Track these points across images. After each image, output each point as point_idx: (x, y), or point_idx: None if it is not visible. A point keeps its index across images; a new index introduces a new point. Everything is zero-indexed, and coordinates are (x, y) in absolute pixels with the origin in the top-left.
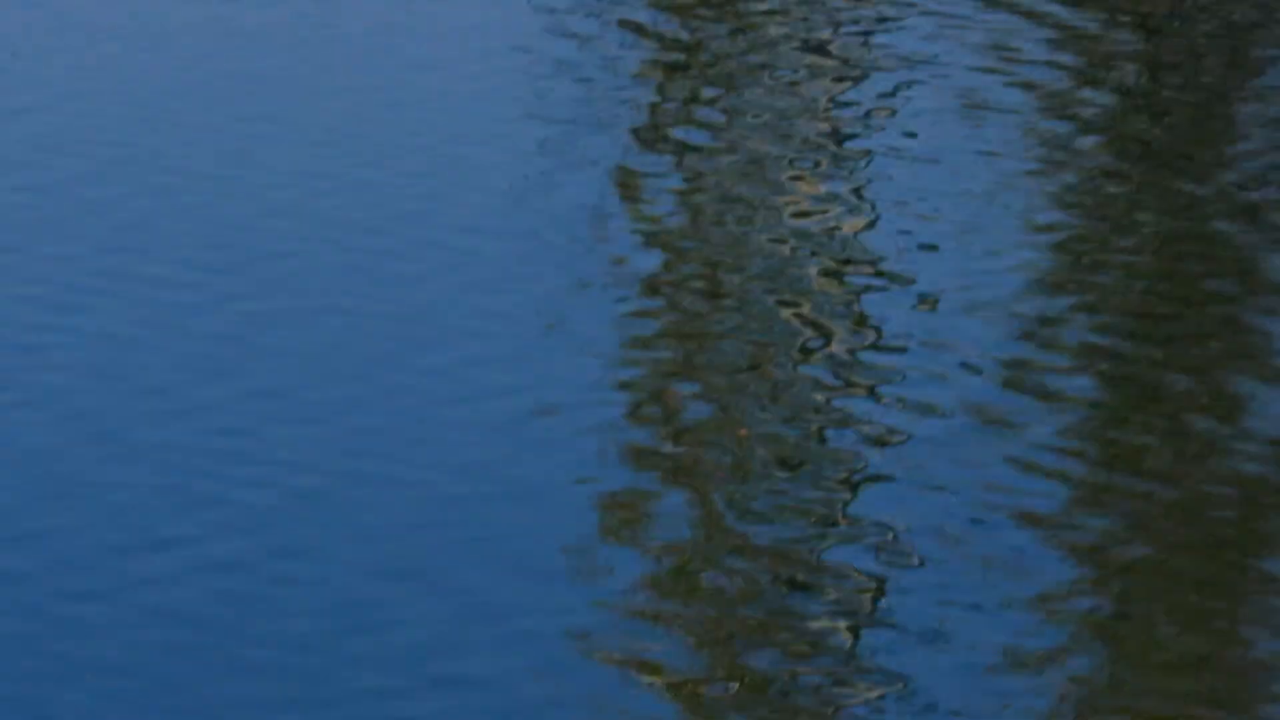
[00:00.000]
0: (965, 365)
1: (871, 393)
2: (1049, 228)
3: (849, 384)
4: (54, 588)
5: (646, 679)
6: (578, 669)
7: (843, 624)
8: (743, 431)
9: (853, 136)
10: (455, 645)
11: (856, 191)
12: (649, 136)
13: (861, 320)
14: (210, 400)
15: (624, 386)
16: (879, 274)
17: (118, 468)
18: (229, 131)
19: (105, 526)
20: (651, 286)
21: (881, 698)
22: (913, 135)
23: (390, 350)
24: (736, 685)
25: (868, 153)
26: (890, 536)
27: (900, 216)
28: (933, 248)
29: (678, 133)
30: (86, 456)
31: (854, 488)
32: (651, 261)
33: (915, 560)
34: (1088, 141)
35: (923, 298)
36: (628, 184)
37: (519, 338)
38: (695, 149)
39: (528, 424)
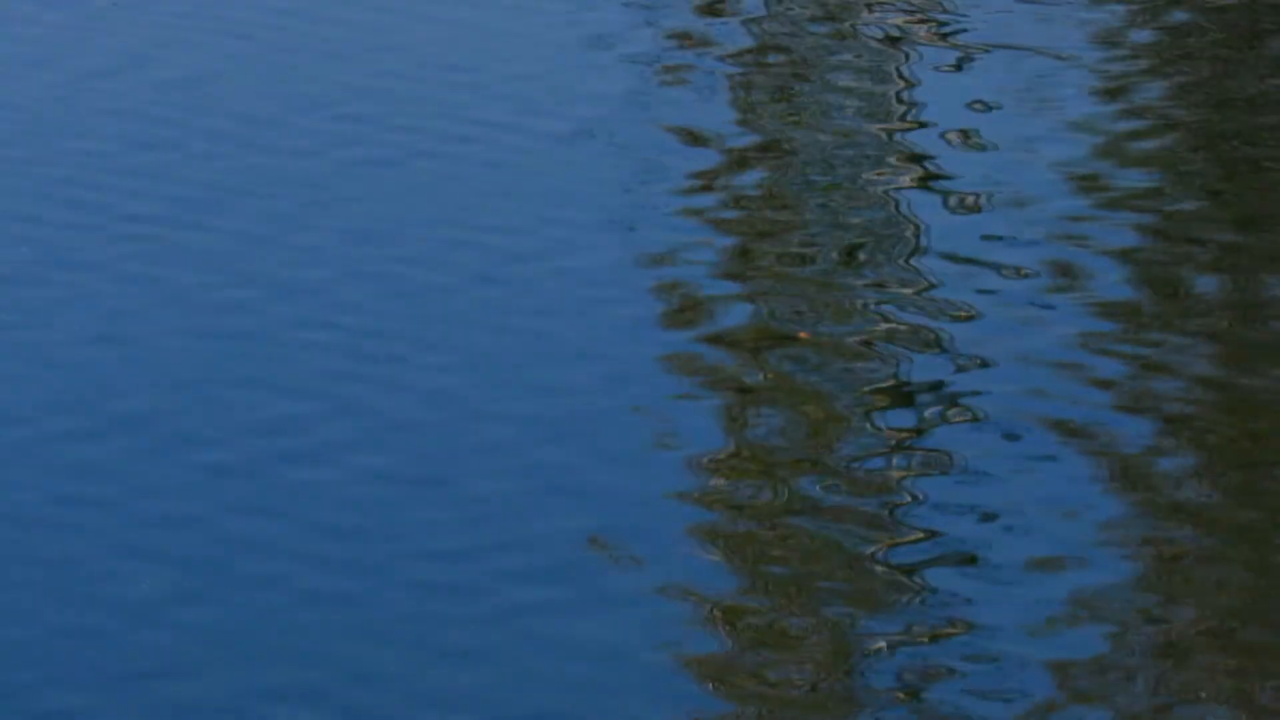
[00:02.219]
0: (1011, 267)
1: (918, 296)
2: (1091, 125)
3: (897, 286)
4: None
5: (690, 597)
6: (624, 583)
7: (880, 536)
8: (802, 334)
9: (905, 38)
10: (467, 551)
11: (906, 94)
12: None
13: (910, 221)
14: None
15: (669, 288)
16: (926, 176)
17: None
18: (301, 71)
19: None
20: (707, 187)
21: (933, 639)
22: (969, 29)
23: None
24: (775, 597)
25: (918, 55)
26: (932, 443)
27: (949, 112)
28: (986, 147)
29: (742, 62)
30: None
31: (900, 396)
32: (706, 159)
33: (959, 467)
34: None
35: (967, 196)
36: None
37: (572, 241)
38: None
39: (574, 335)
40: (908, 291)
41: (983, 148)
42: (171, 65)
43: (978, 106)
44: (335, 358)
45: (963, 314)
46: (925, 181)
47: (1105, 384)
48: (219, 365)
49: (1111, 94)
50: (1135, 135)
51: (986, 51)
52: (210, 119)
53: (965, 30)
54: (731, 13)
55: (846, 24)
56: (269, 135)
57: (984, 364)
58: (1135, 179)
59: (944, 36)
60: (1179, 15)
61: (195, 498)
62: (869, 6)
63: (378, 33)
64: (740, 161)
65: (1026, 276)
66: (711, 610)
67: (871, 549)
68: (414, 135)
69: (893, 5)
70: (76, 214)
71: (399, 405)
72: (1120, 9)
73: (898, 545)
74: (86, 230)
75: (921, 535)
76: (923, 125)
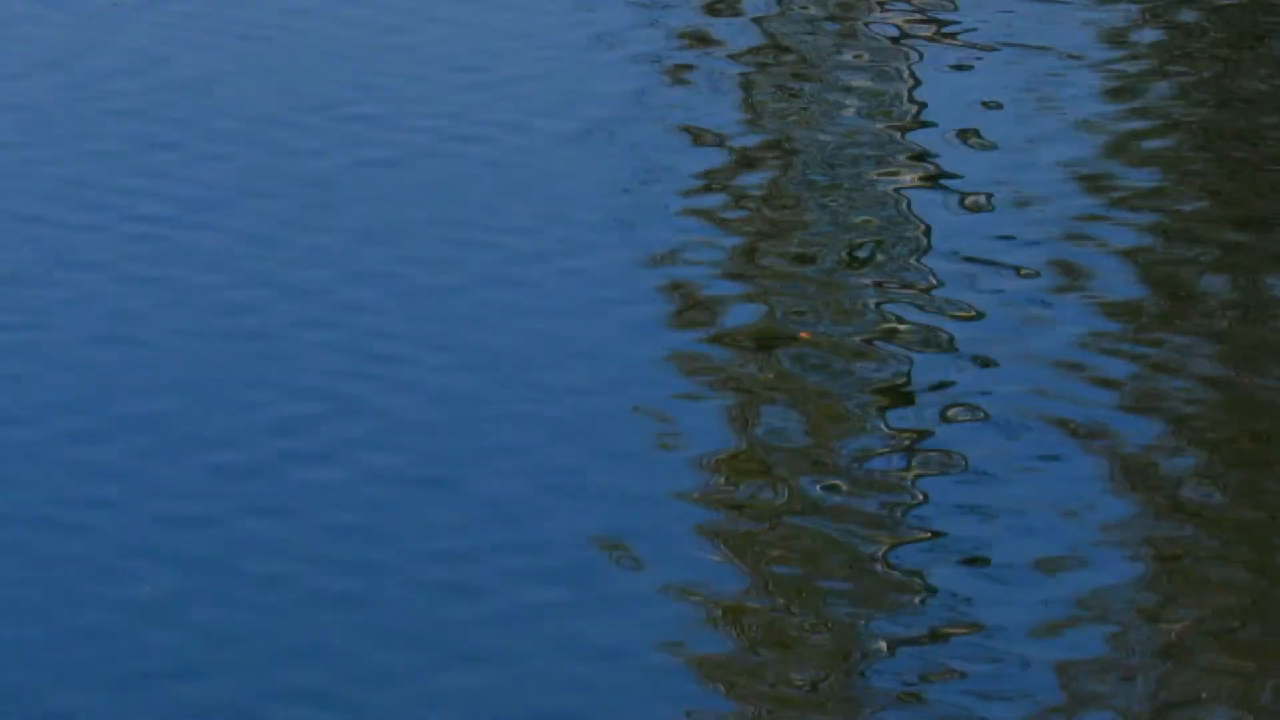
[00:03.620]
0: (1014, 267)
1: (921, 295)
2: (1096, 125)
3: (900, 286)
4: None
5: (692, 596)
6: (628, 584)
7: (883, 536)
8: (803, 334)
9: (910, 37)
10: (473, 551)
11: (911, 93)
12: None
13: (913, 220)
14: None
15: (673, 288)
16: (930, 175)
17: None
18: (292, 60)
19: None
20: (710, 187)
21: (922, 605)
22: (976, 29)
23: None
24: (777, 597)
25: (921, 55)
26: (935, 443)
27: (953, 112)
28: (990, 147)
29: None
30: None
31: (903, 395)
32: (710, 159)
33: (962, 467)
34: (1146, 34)
35: (970, 196)
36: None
37: (576, 241)
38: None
39: (579, 335)
40: (910, 291)
41: (986, 147)
42: (175, 65)
43: (981, 106)
44: (341, 358)
45: (965, 314)
46: (929, 181)
47: (1109, 383)
48: (225, 365)
49: (1115, 94)
50: (1139, 135)
51: (990, 51)
52: (215, 119)
53: (969, 30)
54: (736, 12)
55: (850, 23)
56: (273, 135)
57: (986, 363)
58: (1139, 179)
59: (948, 36)
60: (1183, 15)
61: (202, 498)
62: (877, 5)
63: (383, 32)
64: (745, 161)
65: (1029, 276)
66: (715, 610)
67: (874, 549)
68: (419, 135)
69: (898, 4)
70: (82, 214)
71: (404, 405)
72: (1123, 8)
73: (900, 545)
74: (92, 230)
75: (924, 535)
76: (926, 125)
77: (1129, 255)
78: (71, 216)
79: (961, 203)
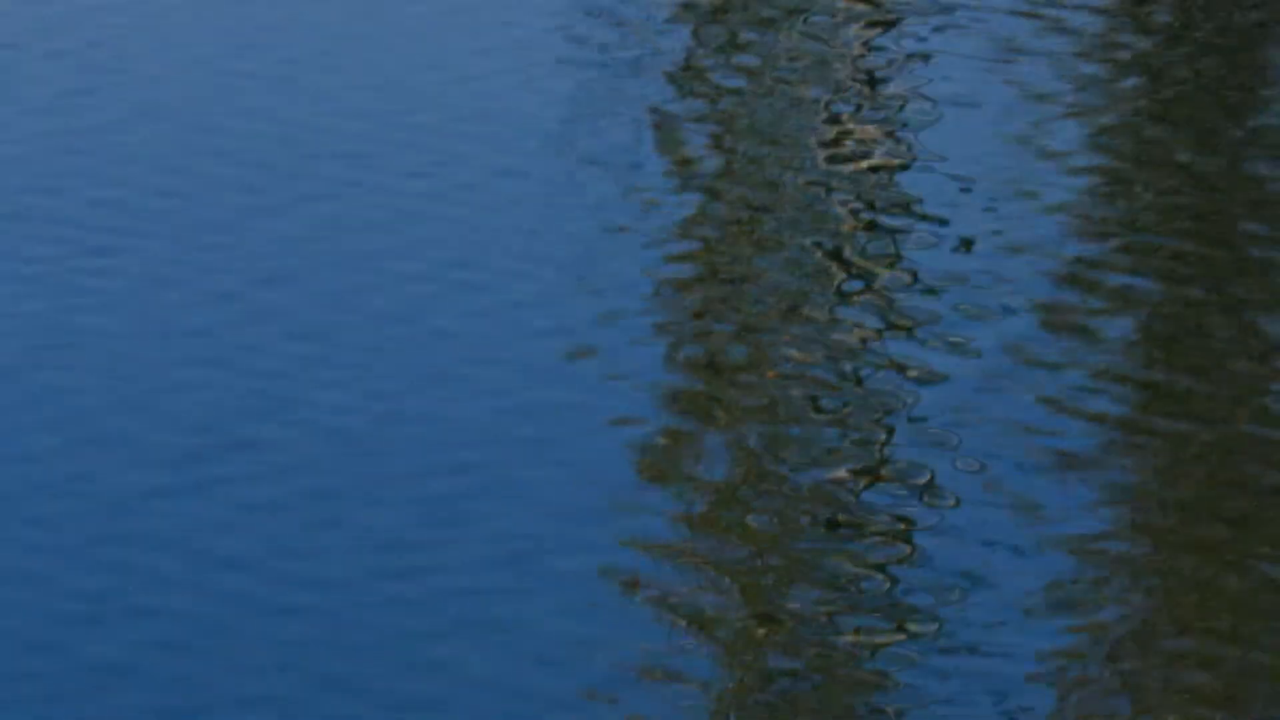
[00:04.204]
0: (1003, 307)
1: (909, 334)
2: (1085, 169)
3: (887, 326)
4: (86, 532)
5: (680, 621)
6: (612, 610)
7: (880, 565)
8: (770, 373)
9: (889, 80)
10: (489, 587)
11: (892, 135)
12: (684, 80)
13: (899, 262)
14: (249, 341)
15: (660, 329)
16: (916, 216)
17: (154, 412)
18: (269, 75)
19: (143, 469)
20: (688, 229)
21: (919, 639)
22: (948, 78)
23: (427, 293)
24: (772, 627)
25: (904, 96)
26: (928, 478)
27: (937, 159)
28: (969, 190)
29: (714, 77)
30: (121, 405)
31: (891, 430)
32: (688, 204)
33: (953, 502)
34: (1125, 83)
35: (960, 240)
36: (664, 127)
37: (556, 281)
38: (732, 92)
39: (563, 366)
40: (882, 326)
41: (968, 189)
42: (80, 111)
43: (959, 150)
44: (279, 385)
45: (940, 344)
46: (903, 219)
47: (1096, 417)
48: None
49: (1099, 136)
50: (1123, 178)
51: (971, 96)
52: (111, 164)
53: (948, 78)
54: (713, 52)
55: (825, 55)
56: (168, 180)
57: (960, 391)
58: (1121, 221)
59: (923, 83)
60: (1166, 57)
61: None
62: (861, 44)
63: (307, 68)
64: (711, 193)
65: (1014, 313)
66: (670, 610)
67: (839, 565)
68: (305, 180)
69: (877, 45)
70: None
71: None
72: (1103, 50)
73: (869, 562)
74: None
75: (893, 554)
76: (904, 167)
77: (1125, 294)
78: None
79: (953, 245)
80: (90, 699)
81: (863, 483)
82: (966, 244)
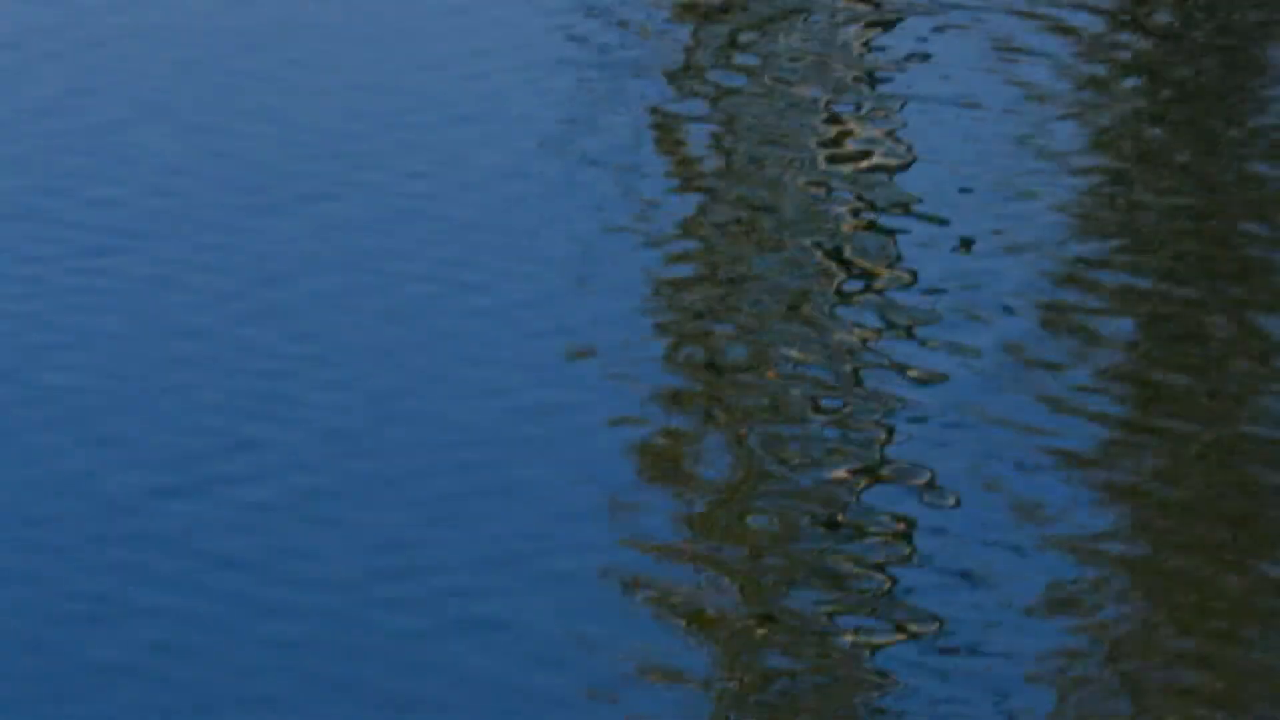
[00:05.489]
0: (1003, 307)
1: (909, 334)
2: (1086, 170)
3: (887, 326)
4: (84, 532)
5: (680, 621)
6: (611, 610)
7: (880, 565)
8: (770, 373)
9: (889, 80)
10: (486, 587)
11: (892, 134)
12: (684, 80)
13: (899, 262)
14: (249, 341)
15: (660, 329)
16: (916, 216)
17: (155, 412)
18: (265, 77)
19: (143, 469)
20: (688, 229)
21: (919, 639)
22: (948, 79)
23: (427, 293)
24: (772, 627)
25: (904, 96)
26: (928, 478)
27: (936, 159)
28: (969, 190)
29: (714, 77)
30: (118, 405)
31: (891, 430)
32: (688, 204)
33: (953, 502)
34: (1125, 84)
35: (960, 240)
36: (664, 127)
37: (556, 281)
38: (732, 92)
39: (563, 366)
40: (882, 326)
41: (968, 190)
42: (80, 111)
43: (959, 150)
44: (275, 383)
45: (940, 344)
46: (903, 219)
47: (1098, 417)
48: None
49: (1099, 137)
50: (1123, 178)
51: (970, 98)
52: (111, 164)
53: (948, 78)
54: (713, 52)
55: (827, 61)
56: (168, 179)
57: (961, 391)
58: (1121, 221)
59: (923, 83)
60: (1166, 57)
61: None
62: (860, 47)
63: (312, 70)
64: (711, 193)
65: (1014, 315)
66: (670, 610)
67: (839, 565)
68: (311, 180)
69: (877, 45)
70: None
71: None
72: (1105, 53)
73: (869, 562)
74: None
75: (893, 554)
76: (904, 167)
77: (1125, 294)
78: None
79: (934, 242)
80: (90, 699)
81: (863, 483)
82: (966, 244)
